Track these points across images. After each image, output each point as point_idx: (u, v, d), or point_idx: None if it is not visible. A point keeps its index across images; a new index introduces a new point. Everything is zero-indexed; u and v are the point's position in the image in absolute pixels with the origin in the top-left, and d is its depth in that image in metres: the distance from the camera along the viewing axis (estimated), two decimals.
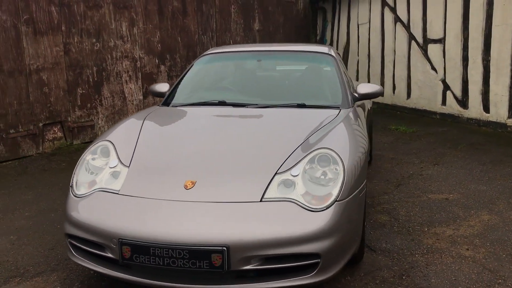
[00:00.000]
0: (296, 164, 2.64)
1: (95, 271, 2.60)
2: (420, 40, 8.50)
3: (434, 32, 8.15)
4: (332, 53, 4.14)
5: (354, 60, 10.47)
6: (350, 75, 10.22)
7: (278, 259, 2.38)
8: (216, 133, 3.17)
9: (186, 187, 2.56)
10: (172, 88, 4.06)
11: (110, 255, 2.46)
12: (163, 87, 4.13)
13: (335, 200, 2.46)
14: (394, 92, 9.34)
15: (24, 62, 6.05)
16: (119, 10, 7.11)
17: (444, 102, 8.15)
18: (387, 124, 8.04)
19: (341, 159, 2.62)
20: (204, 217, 2.39)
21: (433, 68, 8.27)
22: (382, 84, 9.61)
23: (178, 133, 3.22)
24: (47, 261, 3.23)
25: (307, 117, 3.33)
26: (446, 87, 8.03)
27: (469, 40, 7.48)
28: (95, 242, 2.51)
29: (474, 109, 7.54)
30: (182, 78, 4.12)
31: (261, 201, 2.47)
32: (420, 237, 3.50)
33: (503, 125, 7.04)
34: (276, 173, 2.61)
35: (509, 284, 2.83)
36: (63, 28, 6.45)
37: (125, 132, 3.18)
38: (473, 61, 7.45)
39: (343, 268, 2.57)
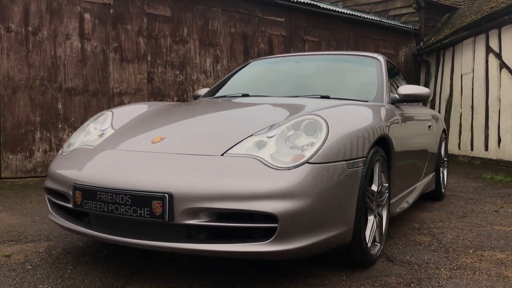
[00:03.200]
0: (276, 128, 2.35)
1: (61, 226, 2.52)
2: None
3: None
4: (379, 58, 3.80)
5: (457, 113, 9.64)
6: (452, 130, 9.42)
7: (232, 218, 2.07)
8: (211, 112, 3.03)
9: (153, 141, 2.42)
10: (209, 89, 4.05)
11: (70, 205, 2.37)
12: (202, 91, 4.13)
13: (306, 162, 2.11)
14: (499, 146, 8.30)
15: (109, 85, 6.57)
16: (204, 46, 7.50)
17: None
18: (483, 174, 7.08)
19: (326, 124, 2.27)
20: (154, 165, 2.21)
21: None
22: (486, 137, 8.63)
23: (178, 111, 3.12)
24: (50, 234, 3.23)
25: (322, 103, 3.02)
26: None
27: None
28: (61, 193, 2.46)
29: None
30: (222, 81, 4.09)
31: (222, 155, 2.22)
32: (458, 256, 2.85)
33: None
34: (251, 135, 2.35)
35: None
36: (148, 58, 6.95)
37: (132, 108, 3.19)
38: None
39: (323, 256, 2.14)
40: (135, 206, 2.09)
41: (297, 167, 2.09)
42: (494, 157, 8.45)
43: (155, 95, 7.06)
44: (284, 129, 2.30)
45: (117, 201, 2.12)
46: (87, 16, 6.36)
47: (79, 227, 2.38)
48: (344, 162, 2.26)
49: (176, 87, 7.26)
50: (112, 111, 3.03)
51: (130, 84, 6.77)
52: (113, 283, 2.29)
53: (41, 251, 2.83)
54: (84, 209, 2.24)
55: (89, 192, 2.21)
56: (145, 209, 2.07)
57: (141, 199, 2.07)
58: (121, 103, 6.69)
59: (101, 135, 2.76)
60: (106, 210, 2.16)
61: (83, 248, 2.87)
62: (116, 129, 2.78)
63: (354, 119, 2.57)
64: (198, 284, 2.29)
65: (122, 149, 2.46)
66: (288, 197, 2.02)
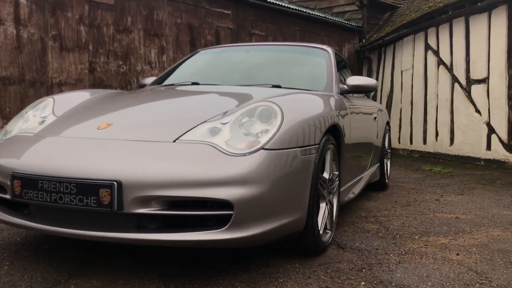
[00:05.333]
0: (230, 114, 2.30)
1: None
2: (463, 81, 7.95)
3: (478, 71, 7.60)
4: (328, 49, 3.83)
5: (397, 108, 9.99)
6: (393, 125, 9.75)
7: (185, 206, 2.00)
8: (161, 99, 2.93)
9: (99, 128, 2.29)
10: (156, 77, 3.92)
11: (7, 196, 2.20)
12: (149, 79, 3.99)
13: (262, 148, 2.07)
14: (436, 139, 8.68)
15: (47, 74, 6.24)
16: (149, 37, 7.29)
17: (489, 147, 7.40)
18: (422, 166, 7.37)
19: (281, 111, 2.24)
20: (101, 151, 2.10)
21: (477, 111, 7.63)
22: (425, 131, 9.01)
23: (124, 98, 3.00)
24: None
25: (274, 91, 2.99)
26: (491, 130, 7.33)
27: None
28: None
29: None
30: (169, 69, 3.97)
31: (174, 142, 2.14)
32: (405, 242, 2.93)
33: None
34: (204, 122, 2.28)
35: (495, 285, 2.20)
36: (90, 47, 6.66)
37: (75, 95, 3.03)
38: None
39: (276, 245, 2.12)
40: (80, 195, 1.97)
41: (253, 153, 2.05)
42: (432, 150, 8.83)
43: (97, 85, 6.78)
44: (239, 116, 2.25)
45: (61, 190, 1.99)
46: (23, 0, 5.99)
47: (18, 220, 2.22)
48: (298, 148, 2.25)
49: (119, 78, 7.01)
50: (53, 98, 2.85)
51: (70, 74, 6.46)
52: (56, 278, 2.16)
53: None
54: (23, 199, 2.09)
55: (30, 181, 2.06)
56: (92, 198, 1.95)
57: (88, 188, 1.96)
58: None
59: (42, 122, 2.59)
60: (48, 200, 2.02)
61: (22, 243, 2.69)
62: (58, 116, 2.62)
63: (307, 107, 2.56)
64: (148, 276, 2.20)
65: (66, 135, 2.31)
66: (243, 183, 1.98)
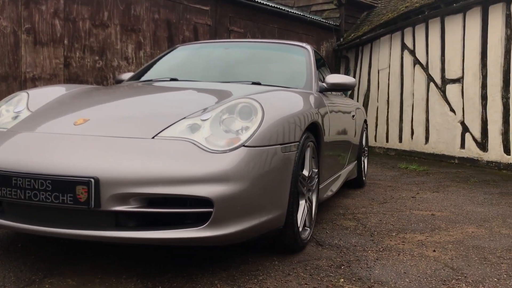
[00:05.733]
0: (210, 110, 2.27)
1: None
2: (438, 81, 8.08)
3: (453, 71, 7.73)
4: (308, 47, 3.84)
5: (374, 107, 10.10)
6: (370, 123, 9.86)
7: (164, 204, 1.97)
8: (139, 95, 2.89)
9: (75, 123, 2.24)
10: (133, 73, 3.86)
11: None
12: (126, 75, 3.93)
13: (242, 145, 2.06)
14: (412, 138, 8.81)
15: (21, 69, 6.09)
16: (126, 32, 7.19)
17: (463, 145, 7.55)
18: (398, 164, 7.48)
19: (261, 108, 2.23)
20: (78, 148, 2.05)
21: (452, 110, 7.77)
22: (401, 130, 9.13)
23: (101, 93, 2.93)
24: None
25: (254, 88, 2.98)
26: (465, 129, 7.47)
27: (488, 78, 7.01)
28: None
29: (494, 151, 6.90)
30: (147, 65, 3.91)
31: (153, 138, 2.10)
32: (382, 239, 2.96)
33: None
34: (183, 118, 2.25)
35: (470, 281, 2.24)
36: (65, 41, 6.52)
37: (50, 90, 2.96)
38: (492, 99, 6.93)
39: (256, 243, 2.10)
40: (56, 192, 1.92)
41: (233, 150, 2.03)
42: (407, 149, 8.96)
43: (73, 81, 6.65)
44: (219, 112, 2.23)
45: (36, 187, 1.94)
46: None
47: None
48: (279, 146, 2.24)
49: (95, 73, 6.89)
50: (27, 92, 2.78)
51: (44, 69, 6.32)
52: (30, 277, 2.10)
53: None
54: None
55: (2, 178, 2.00)
56: (68, 195, 1.91)
57: (64, 185, 1.91)
58: None
59: (16, 117, 2.52)
60: (22, 197, 1.96)
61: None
62: (33, 111, 2.55)
63: (287, 104, 2.56)
64: (126, 274, 2.16)
65: (41, 131, 2.25)
66: (223, 180, 1.96)
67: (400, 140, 9.17)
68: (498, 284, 2.21)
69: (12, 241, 2.61)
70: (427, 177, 6.05)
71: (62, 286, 2.01)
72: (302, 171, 2.57)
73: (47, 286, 2.01)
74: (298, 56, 3.68)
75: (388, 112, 9.58)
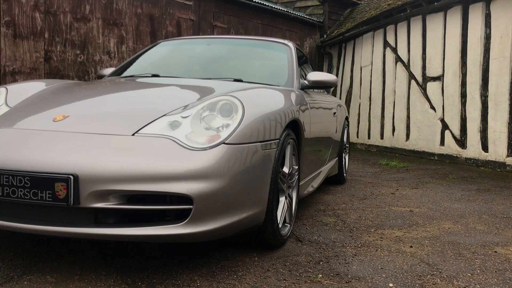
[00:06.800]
0: (190, 108, 2.28)
1: None
2: (419, 78, 8.19)
3: (433, 69, 7.84)
4: (290, 44, 3.86)
5: (356, 104, 10.19)
6: (352, 120, 9.96)
7: (144, 201, 1.98)
8: (119, 91, 2.87)
9: (54, 120, 2.23)
10: (115, 68, 3.84)
11: None
12: (108, 70, 3.91)
13: (222, 142, 2.07)
14: (393, 134, 8.92)
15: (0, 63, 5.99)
16: (108, 26, 7.12)
17: (442, 142, 7.67)
18: (379, 160, 7.57)
19: (242, 105, 2.25)
20: (57, 144, 2.04)
21: (432, 107, 7.88)
22: (382, 126, 9.23)
23: (81, 89, 2.92)
24: None
25: (235, 85, 2.99)
26: (445, 126, 7.59)
27: (467, 76, 7.13)
28: None
29: (473, 148, 7.03)
30: (129, 60, 3.89)
31: (133, 135, 2.11)
32: (361, 235, 3.01)
33: (502, 164, 6.49)
34: (164, 115, 2.26)
35: (444, 276, 2.30)
36: (46, 35, 6.44)
37: (29, 85, 2.93)
38: (471, 97, 7.05)
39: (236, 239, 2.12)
40: (35, 189, 1.91)
41: (213, 147, 2.05)
42: (388, 145, 9.07)
43: (53, 75, 6.57)
44: (199, 110, 2.24)
45: (14, 184, 1.93)
46: None
47: None
48: (259, 143, 2.26)
49: (76, 67, 6.82)
50: (6, 88, 2.75)
51: (24, 63, 6.23)
52: (8, 274, 2.09)
53: None
54: None
55: None
56: (47, 192, 1.90)
57: (43, 181, 1.90)
58: None
59: None
60: (0, 194, 1.95)
61: None
62: (12, 107, 2.53)
63: (268, 101, 2.58)
64: (106, 271, 2.16)
65: (20, 127, 2.24)
66: (203, 178, 1.97)
67: (382, 136, 9.28)
68: (471, 279, 2.27)
69: None
70: (407, 173, 6.14)
71: (41, 283, 2.01)
72: (282, 168, 2.59)
73: (25, 283, 2.01)
74: (280, 53, 3.70)
75: (370, 109, 9.68)
